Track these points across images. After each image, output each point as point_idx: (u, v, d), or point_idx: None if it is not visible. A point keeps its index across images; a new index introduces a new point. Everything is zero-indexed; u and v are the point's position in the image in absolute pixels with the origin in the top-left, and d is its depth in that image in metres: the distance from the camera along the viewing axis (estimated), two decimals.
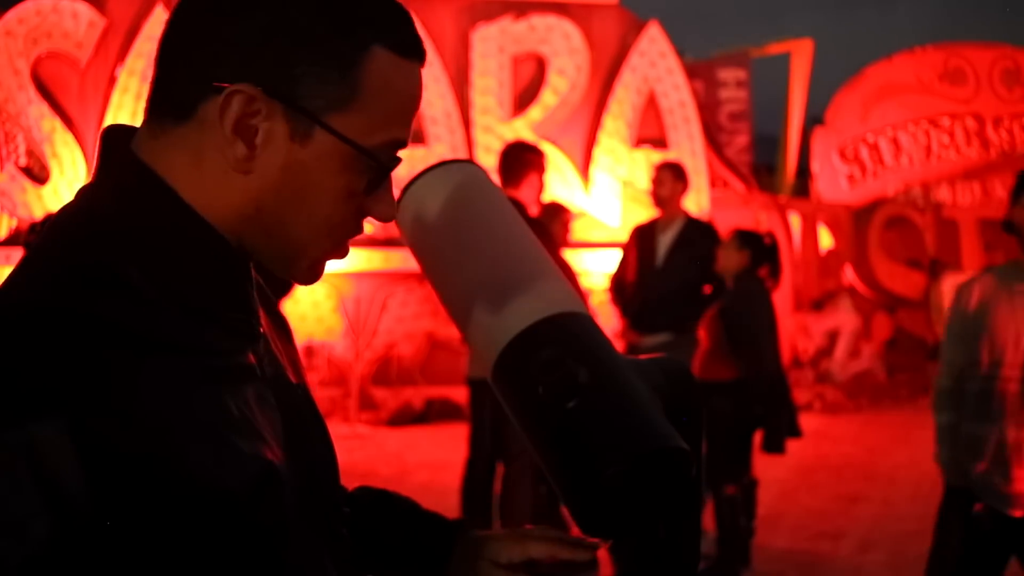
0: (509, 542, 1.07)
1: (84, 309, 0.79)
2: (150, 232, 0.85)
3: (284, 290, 6.62)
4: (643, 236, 5.22)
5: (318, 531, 0.92)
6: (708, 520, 4.82)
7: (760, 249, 4.77)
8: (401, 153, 0.90)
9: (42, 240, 0.85)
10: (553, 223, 5.11)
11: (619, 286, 5.29)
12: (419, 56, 0.90)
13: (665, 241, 5.09)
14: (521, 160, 4.33)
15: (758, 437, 4.64)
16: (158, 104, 0.87)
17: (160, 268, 0.84)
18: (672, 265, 5.03)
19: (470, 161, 1.03)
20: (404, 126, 0.89)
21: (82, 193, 0.88)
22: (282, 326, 1.03)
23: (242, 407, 0.85)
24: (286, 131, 0.84)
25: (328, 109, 0.84)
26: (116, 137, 0.89)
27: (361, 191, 0.88)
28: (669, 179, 5.14)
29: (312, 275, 0.92)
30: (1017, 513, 2.85)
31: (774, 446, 4.60)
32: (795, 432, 4.74)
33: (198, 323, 0.85)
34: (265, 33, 0.83)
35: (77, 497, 0.73)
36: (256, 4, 0.84)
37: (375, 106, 0.86)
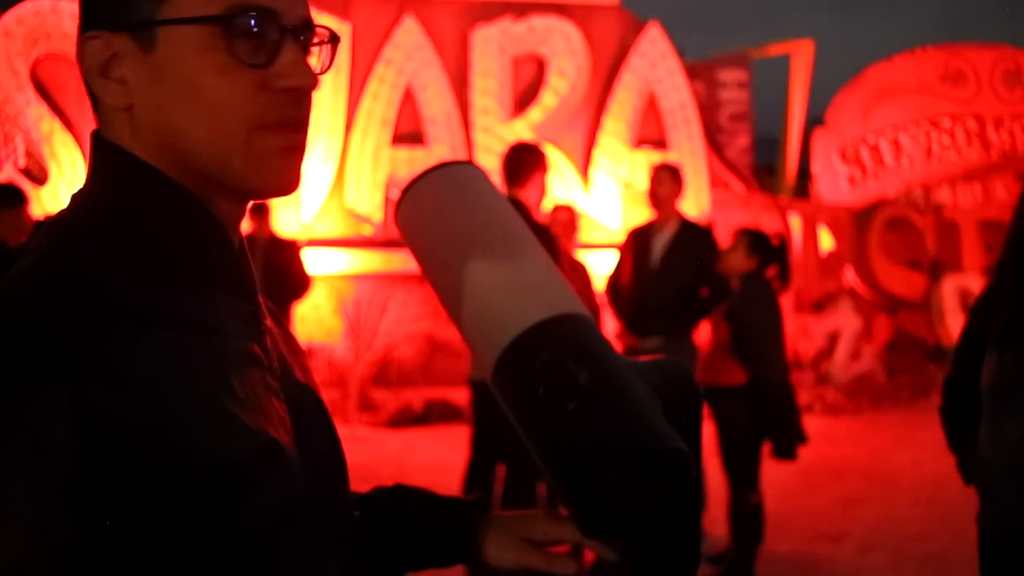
0: (543, 520, 1.04)
1: (93, 278, 0.81)
2: (144, 213, 0.87)
3: (296, 293, 6.70)
4: (638, 238, 5.20)
5: (325, 530, 0.92)
6: (708, 523, 4.81)
7: (768, 251, 4.70)
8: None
9: (46, 230, 0.87)
10: (568, 227, 5.11)
11: (615, 289, 5.28)
12: None
13: (660, 243, 5.07)
14: (526, 160, 4.30)
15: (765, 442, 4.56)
16: None
17: (162, 247, 0.86)
18: (667, 268, 5.00)
19: (470, 162, 1.02)
20: None
21: (77, 194, 0.90)
22: (291, 339, 1.03)
23: (247, 389, 0.85)
24: (135, 49, 0.86)
25: (153, 7, 0.86)
26: (100, 136, 0.92)
27: (232, 63, 0.85)
28: (668, 179, 5.12)
29: (270, 171, 0.88)
30: None
31: (785, 452, 4.51)
32: (801, 436, 4.66)
33: (203, 302, 0.87)
34: None
35: (61, 463, 0.72)
36: None
37: None
